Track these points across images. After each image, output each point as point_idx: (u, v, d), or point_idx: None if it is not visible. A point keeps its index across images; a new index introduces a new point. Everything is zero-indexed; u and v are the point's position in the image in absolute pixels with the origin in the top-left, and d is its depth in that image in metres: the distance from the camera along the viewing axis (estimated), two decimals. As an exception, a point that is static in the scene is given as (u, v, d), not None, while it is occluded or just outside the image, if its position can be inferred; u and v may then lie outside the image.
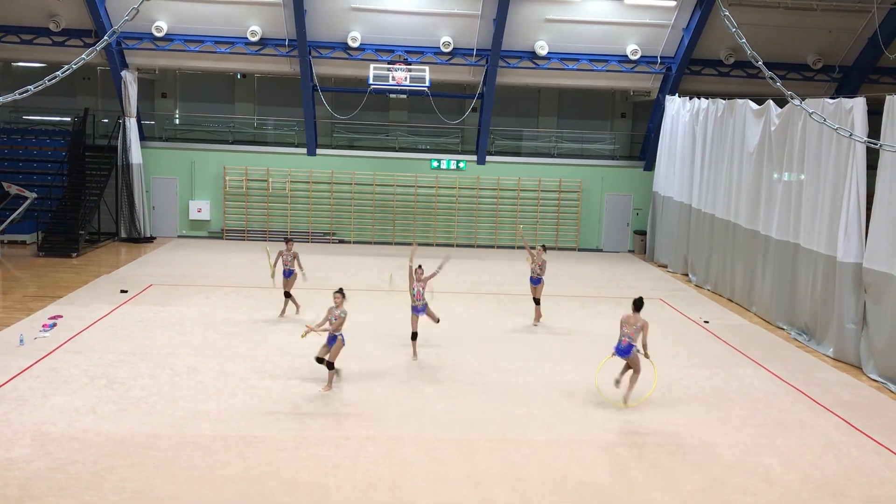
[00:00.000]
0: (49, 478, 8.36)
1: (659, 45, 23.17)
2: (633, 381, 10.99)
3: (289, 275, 15.03)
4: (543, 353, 13.71)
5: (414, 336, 13.03)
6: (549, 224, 25.28)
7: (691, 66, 23.50)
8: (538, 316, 15.58)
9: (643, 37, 22.99)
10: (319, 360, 11.22)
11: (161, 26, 22.23)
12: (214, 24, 22.46)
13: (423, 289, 12.80)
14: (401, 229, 24.98)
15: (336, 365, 11.35)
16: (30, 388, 10.89)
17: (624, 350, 10.87)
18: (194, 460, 8.93)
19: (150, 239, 24.01)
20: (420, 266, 12.92)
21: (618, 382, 11.11)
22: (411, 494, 8.38)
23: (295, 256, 15.00)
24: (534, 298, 15.51)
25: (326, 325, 11.09)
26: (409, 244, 24.49)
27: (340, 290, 11.29)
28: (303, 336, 11.10)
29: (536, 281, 15.31)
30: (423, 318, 13.01)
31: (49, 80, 10.18)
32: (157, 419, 10.03)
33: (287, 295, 15.19)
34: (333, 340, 11.15)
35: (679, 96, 22.90)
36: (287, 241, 15.21)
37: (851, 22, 22.09)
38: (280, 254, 15.03)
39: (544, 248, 15.55)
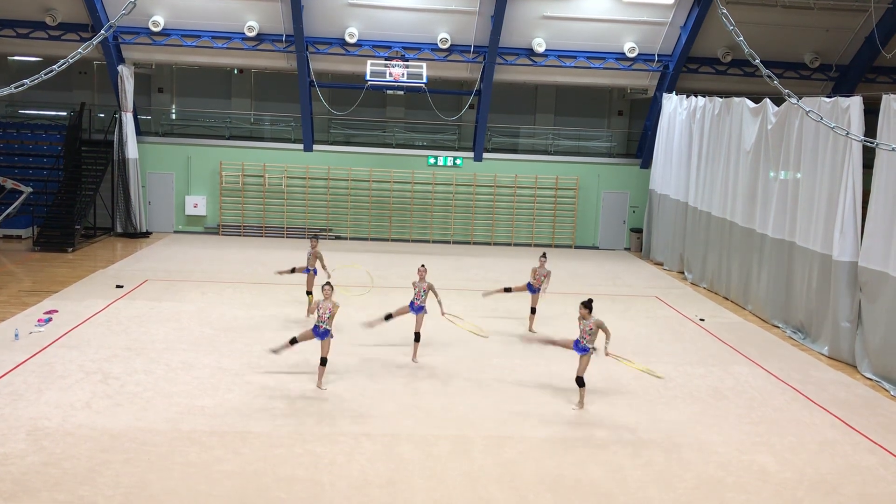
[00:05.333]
0: (43, 473, 8.35)
1: (656, 43, 23.17)
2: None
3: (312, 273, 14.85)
4: (539, 350, 13.68)
5: (417, 337, 12.74)
6: (545, 221, 25.28)
7: (688, 64, 23.50)
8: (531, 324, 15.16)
9: (641, 34, 22.99)
10: (294, 340, 11.29)
11: (158, 21, 22.17)
12: (211, 19, 22.41)
13: (426, 290, 12.58)
14: (397, 226, 24.96)
15: (330, 361, 11.34)
16: (24, 383, 10.87)
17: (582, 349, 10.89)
18: (189, 456, 8.92)
19: (146, 234, 23.98)
20: (423, 265, 12.87)
21: (581, 404, 11.00)
22: (407, 492, 8.39)
23: (318, 257, 14.76)
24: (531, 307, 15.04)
25: (318, 315, 11.09)
26: (406, 241, 24.73)
27: (328, 283, 11.26)
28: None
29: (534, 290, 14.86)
30: (425, 318, 12.76)
31: (45, 74, 10.14)
32: (152, 414, 10.03)
33: (308, 293, 14.93)
34: (325, 335, 11.09)
35: (676, 94, 22.91)
36: (313, 238, 15.00)
37: (849, 21, 22.11)
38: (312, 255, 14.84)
39: (544, 256, 14.95)
